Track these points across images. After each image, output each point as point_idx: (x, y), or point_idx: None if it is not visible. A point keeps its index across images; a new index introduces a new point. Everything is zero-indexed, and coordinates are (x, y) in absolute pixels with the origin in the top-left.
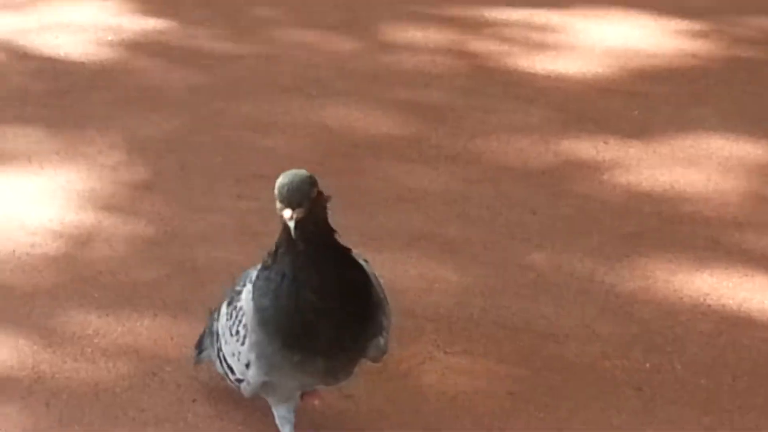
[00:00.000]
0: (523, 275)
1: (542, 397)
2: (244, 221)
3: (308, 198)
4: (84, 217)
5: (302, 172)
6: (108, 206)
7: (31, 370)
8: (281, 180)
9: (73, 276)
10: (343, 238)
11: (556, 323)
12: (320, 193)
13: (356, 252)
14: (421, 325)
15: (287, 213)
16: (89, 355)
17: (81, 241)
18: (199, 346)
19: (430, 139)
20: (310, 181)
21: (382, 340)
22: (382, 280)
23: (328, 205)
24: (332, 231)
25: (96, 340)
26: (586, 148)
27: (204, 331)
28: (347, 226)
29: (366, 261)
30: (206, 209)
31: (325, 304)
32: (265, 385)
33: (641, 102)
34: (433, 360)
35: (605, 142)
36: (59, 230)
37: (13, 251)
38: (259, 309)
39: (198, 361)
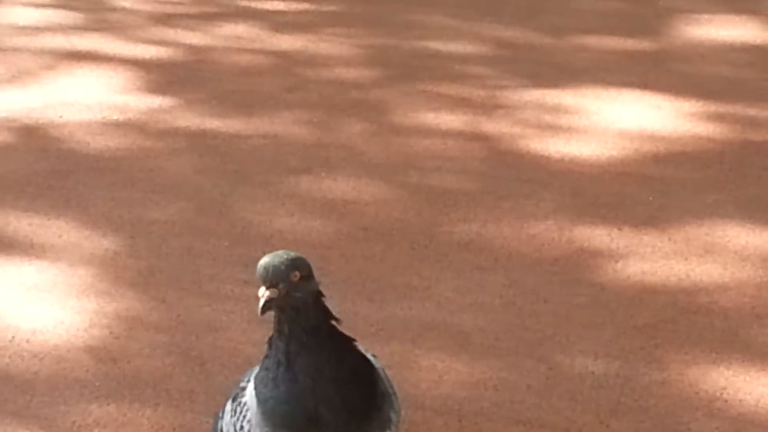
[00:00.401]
0: (535, 368)
1: None
2: (251, 309)
3: (285, 280)
4: (86, 303)
5: (289, 254)
6: (111, 292)
7: None
8: (262, 259)
9: (73, 364)
10: (353, 327)
11: (570, 418)
12: (304, 277)
13: (364, 348)
14: (431, 418)
15: (260, 291)
16: None
17: (83, 328)
18: None
19: (441, 225)
20: (293, 264)
21: (392, 422)
22: (390, 374)
23: (323, 290)
24: (329, 317)
25: (96, 431)
26: (599, 235)
27: None
28: (357, 314)
29: (374, 356)
30: (213, 296)
31: (323, 391)
32: None
33: (656, 186)
34: None
35: (619, 229)
36: (60, 316)
37: (12, 338)
38: (261, 400)
39: None
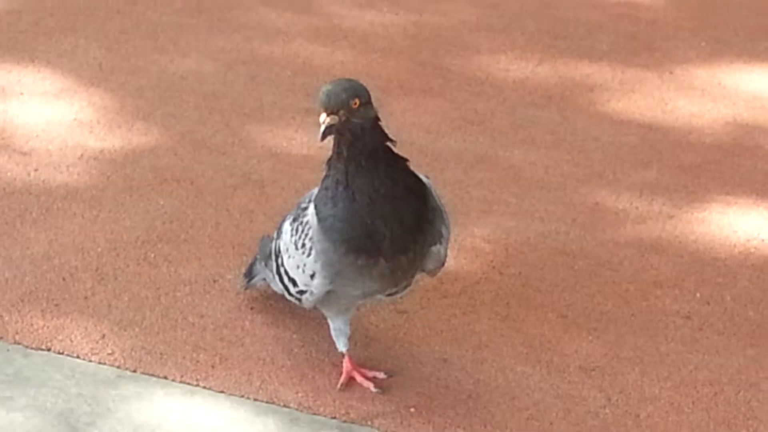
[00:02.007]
0: (582, 202)
1: (593, 322)
2: (311, 136)
3: (345, 107)
4: (152, 125)
5: (350, 81)
6: (176, 115)
7: (95, 272)
8: (324, 86)
9: (140, 181)
10: (409, 157)
11: (612, 250)
12: (364, 104)
13: (420, 172)
14: (479, 245)
15: (321, 117)
16: (152, 259)
17: (148, 148)
18: (249, 274)
19: (498, 62)
20: (353, 91)
21: (441, 250)
22: (443, 201)
23: (380, 117)
24: (385, 140)
25: (159, 246)
26: (651, 77)
27: (254, 260)
28: (413, 144)
29: (427, 177)
30: (275, 122)
31: (379, 208)
32: (327, 295)
33: (709, 33)
34: (488, 280)
35: (670, 72)
36: (128, 136)
37: (81, 155)
38: (321, 218)
39: (247, 286)
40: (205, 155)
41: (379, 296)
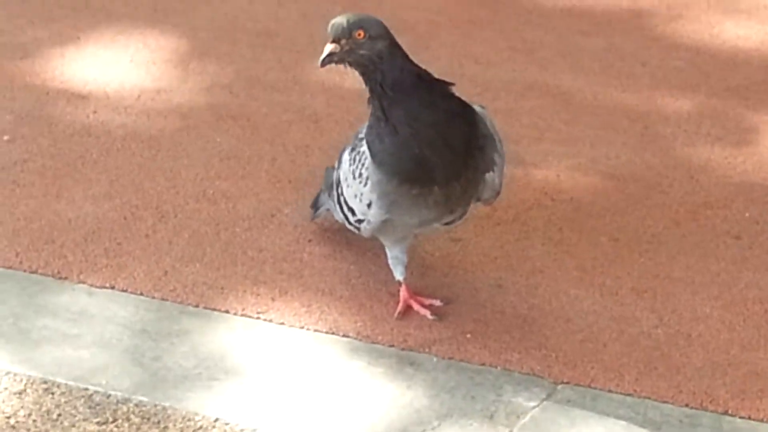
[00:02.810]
0: (631, 127)
1: (644, 244)
2: None
3: (347, 36)
4: (207, 64)
5: (361, 15)
6: (230, 53)
7: (155, 209)
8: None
9: (196, 121)
10: (459, 87)
11: (662, 173)
12: (372, 37)
13: (472, 103)
14: (531, 172)
15: (327, 46)
16: (211, 196)
17: (204, 87)
18: (315, 205)
19: None
20: (357, 22)
21: (495, 178)
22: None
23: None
24: (408, 70)
25: (217, 183)
26: (698, 2)
27: (320, 191)
28: (463, 75)
29: (482, 106)
30: None
31: (424, 135)
32: (384, 224)
33: None
34: (541, 206)
35: None
36: (183, 76)
37: (139, 96)
38: (372, 153)
39: (314, 216)
40: (260, 92)
41: (435, 225)
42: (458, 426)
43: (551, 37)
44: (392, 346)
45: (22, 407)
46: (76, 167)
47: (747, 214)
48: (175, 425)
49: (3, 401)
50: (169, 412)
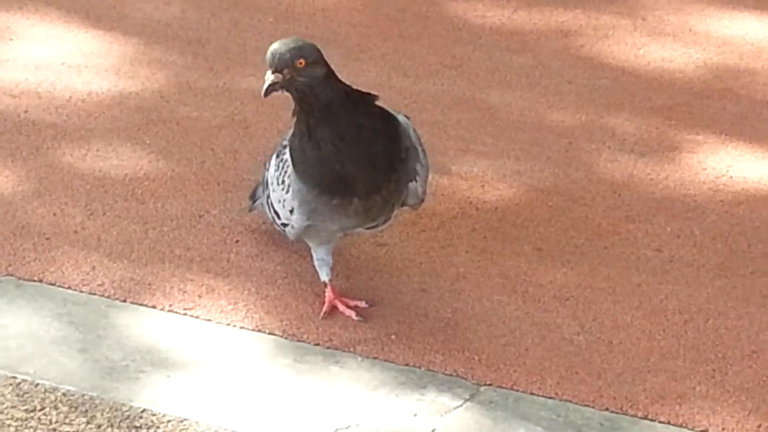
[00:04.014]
0: (556, 141)
1: (567, 255)
2: None
3: (289, 66)
4: (138, 69)
5: (297, 41)
6: (162, 59)
7: (84, 207)
8: (272, 45)
9: (126, 123)
10: (387, 99)
11: (585, 187)
12: (310, 63)
13: (396, 111)
14: (456, 183)
15: (267, 75)
16: (139, 196)
17: (135, 90)
18: (253, 197)
19: (475, 9)
20: (298, 51)
21: (418, 187)
22: (423, 140)
23: (332, 72)
24: (340, 93)
25: (146, 183)
26: (624, 24)
27: (258, 183)
28: (392, 87)
29: (407, 117)
30: (258, 66)
31: (346, 153)
32: (308, 229)
33: None
34: (465, 215)
35: (643, 19)
36: (114, 80)
37: (69, 98)
38: (294, 163)
39: (251, 208)
40: (190, 98)
41: (359, 229)
42: (382, 423)
43: (480, 53)
44: (317, 344)
45: None
46: (6, 164)
47: (668, 229)
48: (102, 414)
49: None
50: (97, 401)
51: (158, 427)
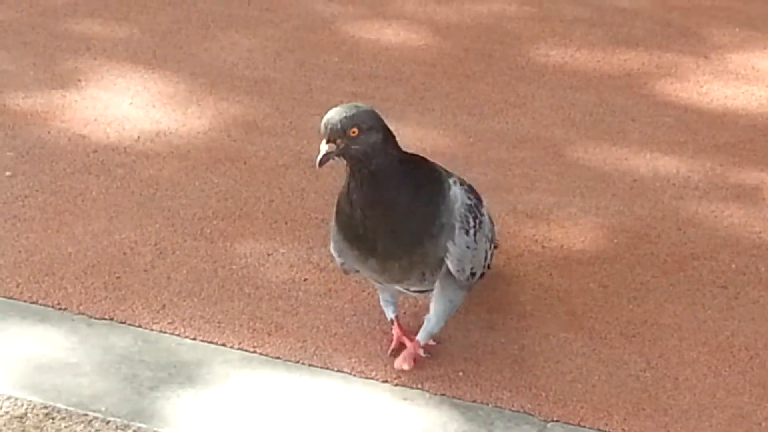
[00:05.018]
0: (621, 178)
1: (633, 292)
2: None
3: (342, 136)
4: (205, 108)
5: (351, 109)
6: (228, 99)
7: (154, 246)
8: (326, 114)
9: (194, 163)
10: (453, 137)
11: (650, 224)
12: (364, 130)
13: (455, 177)
14: (522, 220)
15: (322, 146)
16: (208, 235)
17: (202, 131)
18: None
19: (538, 48)
20: (350, 121)
21: (453, 263)
22: (486, 180)
23: (389, 139)
24: (395, 157)
25: (215, 222)
26: (686, 62)
27: None
28: (456, 126)
29: (467, 187)
30: (323, 105)
31: (371, 222)
32: (357, 270)
33: (742, 19)
34: (531, 253)
35: (706, 57)
36: (182, 120)
37: (138, 138)
38: (337, 208)
39: None
40: (257, 137)
41: (398, 287)
42: None
43: (543, 91)
44: (386, 381)
45: (23, 431)
46: (76, 204)
47: (733, 266)
48: None
49: (4, 425)
50: None
51: None
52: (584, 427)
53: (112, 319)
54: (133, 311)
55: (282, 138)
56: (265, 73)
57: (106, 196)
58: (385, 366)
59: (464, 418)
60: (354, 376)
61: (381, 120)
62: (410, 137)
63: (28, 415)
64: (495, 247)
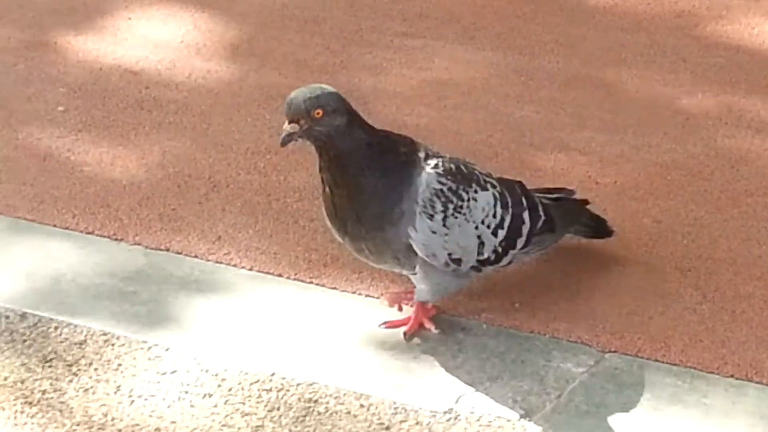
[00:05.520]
0: (673, 117)
1: (687, 227)
2: (409, 57)
3: (306, 116)
4: (255, 47)
5: (315, 90)
6: (279, 38)
7: (207, 179)
8: (291, 94)
9: (246, 99)
10: (504, 77)
11: (703, 162)
12: (329, 112)
13: (437, 159)
14: (575, 158)
15: (285, 126)
16: (262, 169)
17: (253, 69)
18: None
19: None
20: (315, 102)
21: (419, 248)
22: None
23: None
24: (362, 139)
25: (268, 156)
26: (738, 3)
27: None
28: (507, 66)
29: (442, 166)
30: (374, 44)
31: (338, 201)
32: None
33: None
34: (585, 189)
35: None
36: (233, 58)
37: (189, 75)
38: None
39: None
40: (308, 74)
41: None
42: (509, 387)
43: (594, 33)
44: (443, 312)
45: (83, 356)
46: (130, 138)
47: None
48: (232, 378)
49: (64, 350)
50: (227, 365)
51: (288, 390)
52: (642, 357)
53: (168, 250)
54: (189, 242)
55: (333, 76)
56: (314, 13)
57: (159, 131)
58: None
59: (521, 348)
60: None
61: (346, 103)
62: (461, 77)
63: (88, 341)
64: (550, 231)
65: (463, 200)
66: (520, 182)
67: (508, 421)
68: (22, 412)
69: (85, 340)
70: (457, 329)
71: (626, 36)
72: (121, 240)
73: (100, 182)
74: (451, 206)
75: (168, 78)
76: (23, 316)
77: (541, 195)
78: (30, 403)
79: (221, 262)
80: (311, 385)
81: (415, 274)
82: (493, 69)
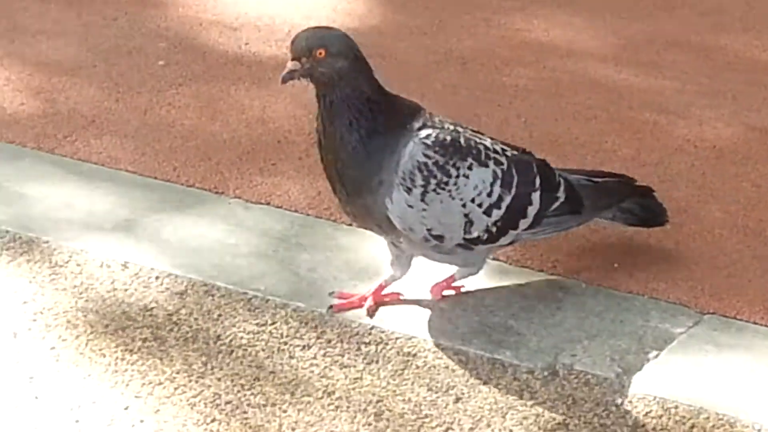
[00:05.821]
0: None
1: None
2: (509, 18)
3: (308, 55)
4: (355, 6)
5: (322, 30)
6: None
7: (308, 135)
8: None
9: None
10: (595, 41)
11: None
12: (333, 54)
13: (432, 130)
14: (674, 121)
15: (288, 63)
16: None
17: (353, 26)
18: None
19: None
20: (319, 41)
21: (396, 223)
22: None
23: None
24: (362, 91)
25: None
26: None
27: None
28: (606, 29)
29: (434, 137)
30: (473, 4)
31: (326, 153)
32: None
33: None
34: (683, 152)
35: None
36: (332, 16)
37: (289, 31)
38: None
39: None
40: (407, 35)
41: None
42: (607, 346)
43: None
44: (541, 270)
45: (183, 306)
46: (230, 93)
47: None
48: (332, 330)
49: (165, 300)
50: (326, 318)
51: (387, 344)
52: (741, 320)
53: (268, 204)
54: (289, 197)
55: (432, 37)
56: None
57: (258, 86)
58: (541, 255)
59: (620, 308)
60: (510, 265)
61: (354, 49)
62: (560, 39)
63: (188, 291)
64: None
65: (449, 176)
66: (543, 160)
67: (606, 379)
68: (122, 359)
69: (185, 290)
70: (556, 288)
71: (724, 1)
72: (222, 193)
73: (200, 136)
74: (433, 181)
75: (267, 34)
76: (124, 265)
77: (581, 176)
78: (131, 350)
79: (321, 217)
80: (410, 339)
81: (401, 243)
82: (592, 32)
